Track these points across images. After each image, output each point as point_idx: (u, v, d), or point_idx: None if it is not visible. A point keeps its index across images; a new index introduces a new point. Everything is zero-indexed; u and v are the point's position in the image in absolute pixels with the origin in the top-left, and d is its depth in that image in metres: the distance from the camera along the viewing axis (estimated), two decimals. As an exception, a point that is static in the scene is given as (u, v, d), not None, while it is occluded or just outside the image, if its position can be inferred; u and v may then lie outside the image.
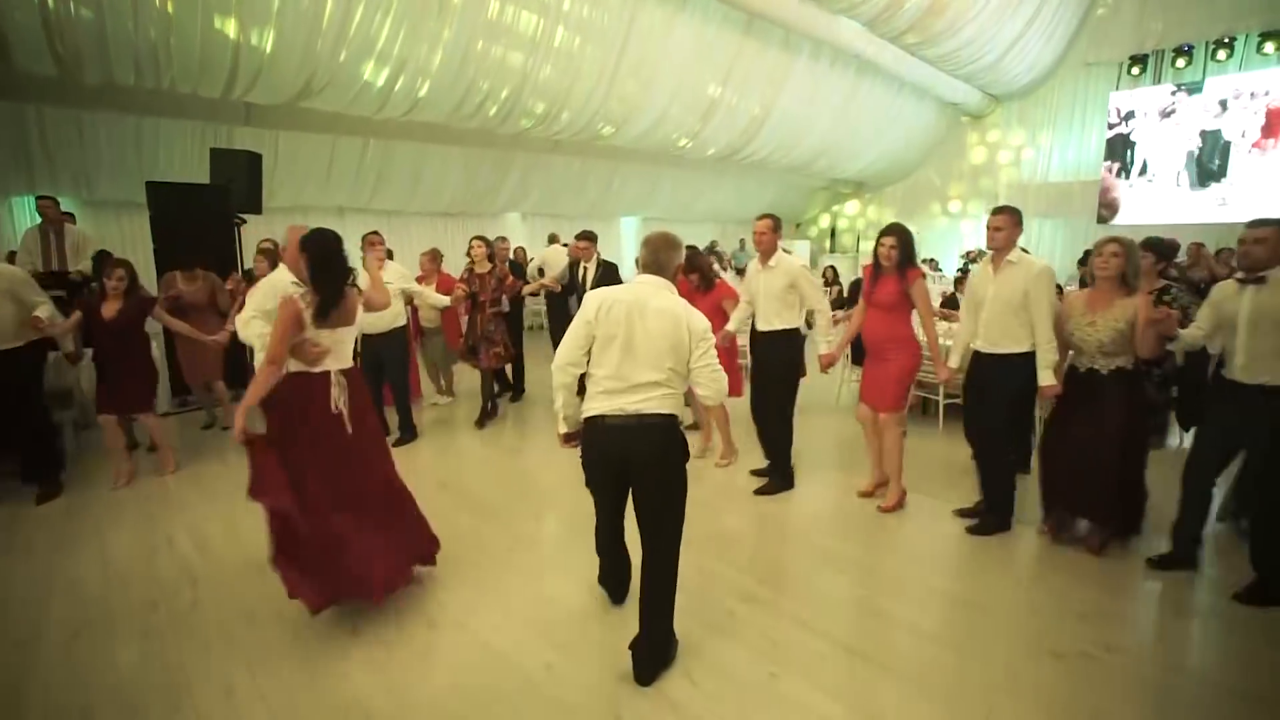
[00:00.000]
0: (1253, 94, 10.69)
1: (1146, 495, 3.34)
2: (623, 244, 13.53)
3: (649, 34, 8.34)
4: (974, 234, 14.02)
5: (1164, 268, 3.91)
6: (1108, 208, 12.29)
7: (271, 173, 7.79)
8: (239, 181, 6.19)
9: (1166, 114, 11.58)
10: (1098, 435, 3.14)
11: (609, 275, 5.59)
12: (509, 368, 6.23)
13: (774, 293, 3.90)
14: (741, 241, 14.02)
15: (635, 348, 2.31)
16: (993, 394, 3.42)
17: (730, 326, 4.22)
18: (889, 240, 3.55)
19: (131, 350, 4.23)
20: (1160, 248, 3.86)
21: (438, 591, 2.96)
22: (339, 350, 2.77)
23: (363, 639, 2.59)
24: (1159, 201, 11.77)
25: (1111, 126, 12.16)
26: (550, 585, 3.02)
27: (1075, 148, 12.92)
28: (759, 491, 4.07)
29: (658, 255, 2.45)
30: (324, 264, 2.66)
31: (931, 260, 12.78)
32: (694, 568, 3.19)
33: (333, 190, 9.25)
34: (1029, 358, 3.28)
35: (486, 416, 5.57)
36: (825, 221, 16.94)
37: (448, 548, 3.34)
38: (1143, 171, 11.96)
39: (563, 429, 2.56)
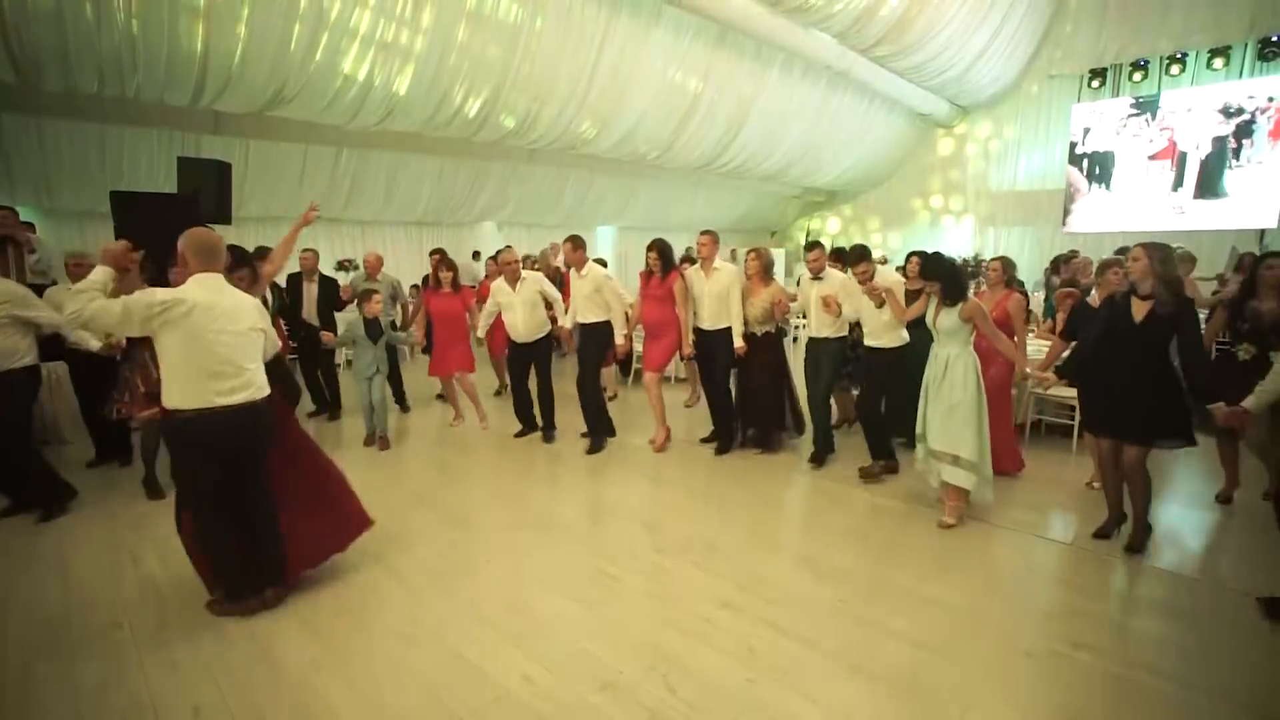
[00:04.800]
0: (1203, 107, 11.11)
1: (798, 411, 5.09)
2: (600, 251, 13.53)
3: (624, 45, 8.41)
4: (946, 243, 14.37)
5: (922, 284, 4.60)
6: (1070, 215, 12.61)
7: (241, 182, 7.66)
8: (208, 191, 6.07)
9: (1125, 126, 11.98)
10: (760, 374, 4.84)
11: (328, 289, 5.95)
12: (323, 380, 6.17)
13: (584, 294, 5.01)
14: (733, 252, 14.12)
15: (516, 307, 5.14)
16: (718, 356, 4.87)
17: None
18: (652, 254, 4.86)
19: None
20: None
21: (412, 604, 2.93)
22: None
23: (335, 653, 2.55)
24: (1120, 210, 12.15)
25: (1074, 138, 12.53)
26: (526, 596, 3.00)
27: (1041, 157, 13.29)
28: (590, 451, 5.06)
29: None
30: None
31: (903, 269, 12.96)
32: (671, 574, 3.21)
33: (305, 199, 9.03)
34: (730, 330, 4.76)
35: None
36: (804, 231, 17.17)
37: (424, 560, 3.32)
38: (1103, 181, 12.33)
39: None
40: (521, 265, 5.34)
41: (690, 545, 3.51)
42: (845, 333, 4.67)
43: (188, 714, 2.23)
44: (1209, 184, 11.17)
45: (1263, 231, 10.50)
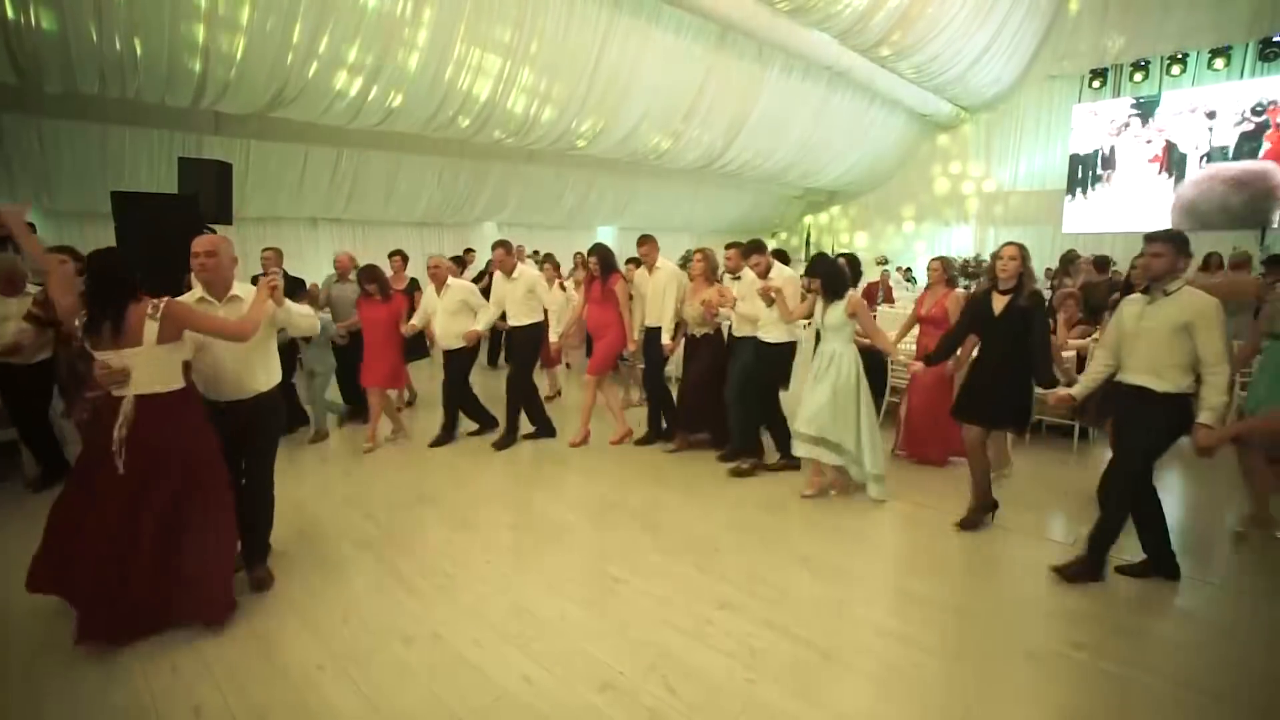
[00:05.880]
0: (1205, 107, 11.11)
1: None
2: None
3: (624, 45, 8.42)
4: (943, 244, 14.37)
5: (808, 284, 4.47)
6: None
7: (242, 182, 7.67)
8: (208, 191, 6.08)
9: (1125, 126, 11.98)
10: (698, 376, 4.81)
11: (290, 289, 5.54)
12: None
13: (517, 297, 5.11)
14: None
15: (438, 313, 5.07)
16: (653, 354, 5.05)
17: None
18: (593, 259, 4.99)
19: None
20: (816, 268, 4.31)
21: (413, 605, 2.93)
22: (138, 374, 2.59)
23: (336, 655, 2.55)
24: (1119, 210, 12.15)
25: (1074, 138, 12.53)
26: (526, 597, 3.00)
27: (1041, 158, 13.28)
28: (496, 446, 5.16)
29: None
30: (94, 281, 2.60)
31: (906, 269, 12.97)
32: (671, 575, 3.21)
33: (305, 200, 9.12)
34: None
35: None
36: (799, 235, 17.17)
37: (425, 560, 3.32)
38: (1098, 181, 12.33)
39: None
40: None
41: (690, 546, 3.51)
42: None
43: (188, 714, 2.23)
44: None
45: (1263, 231, 10.50)
